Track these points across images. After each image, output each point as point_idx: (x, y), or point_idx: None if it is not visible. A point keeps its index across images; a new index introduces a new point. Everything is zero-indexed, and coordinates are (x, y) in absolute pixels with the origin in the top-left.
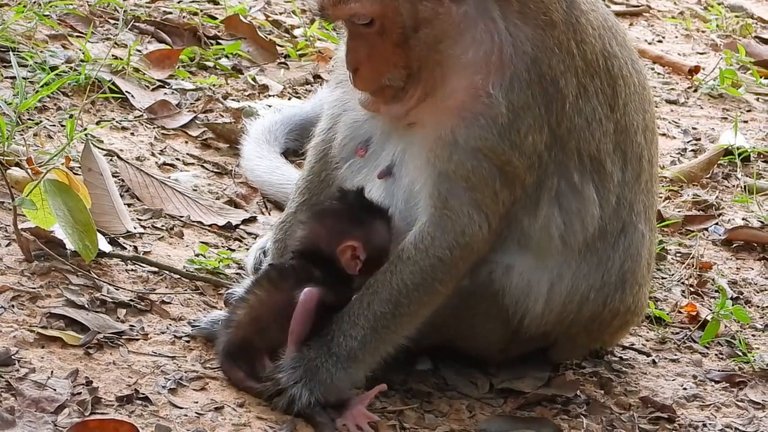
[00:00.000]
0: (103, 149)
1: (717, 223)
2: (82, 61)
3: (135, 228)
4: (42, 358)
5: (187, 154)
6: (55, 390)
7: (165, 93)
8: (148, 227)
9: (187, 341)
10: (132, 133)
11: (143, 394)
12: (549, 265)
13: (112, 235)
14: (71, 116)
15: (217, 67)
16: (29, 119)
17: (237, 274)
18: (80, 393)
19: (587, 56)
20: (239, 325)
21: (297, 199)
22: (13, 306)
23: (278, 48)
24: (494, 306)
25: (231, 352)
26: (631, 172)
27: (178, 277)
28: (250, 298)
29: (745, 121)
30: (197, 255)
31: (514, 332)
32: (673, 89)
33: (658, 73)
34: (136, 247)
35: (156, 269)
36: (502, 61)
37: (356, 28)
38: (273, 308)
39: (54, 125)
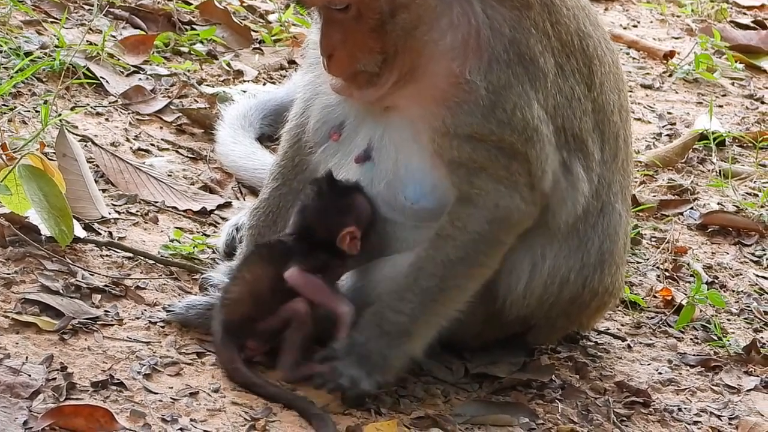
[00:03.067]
0: (77, 135)
1: (692, 208)
2: (56, 46)
3: (110, 213)
4: (17, 343)
5: (162, 139)
6: (29, 376)
7: (140, 78)
8: (123, 213)
9: (162, 327)
10: (107, 119)
11: (118, 379)
12: (533, 246)
13: (87, 221)
14: (46, 102)
15: (192, 52)
16: (4, 105)
17: (212, 259)
18: (55, 378)
19: (562, 36)
20: (238, 302)
21: (271, 185)
22: None
23: (253, 33)
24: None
25: (231, 329)
26: (609, 152)
27: (153, 262)
28: (246, 275)
29: (720, 106)
30: (172, 240)
31: (495, 315)
32: (648, 74)
33: (633, 58)
34: (110, 233)
35: (131, 255)
36: (480, 43)
37: (331, 13)
38: (270, 283)
39: (28, 111)
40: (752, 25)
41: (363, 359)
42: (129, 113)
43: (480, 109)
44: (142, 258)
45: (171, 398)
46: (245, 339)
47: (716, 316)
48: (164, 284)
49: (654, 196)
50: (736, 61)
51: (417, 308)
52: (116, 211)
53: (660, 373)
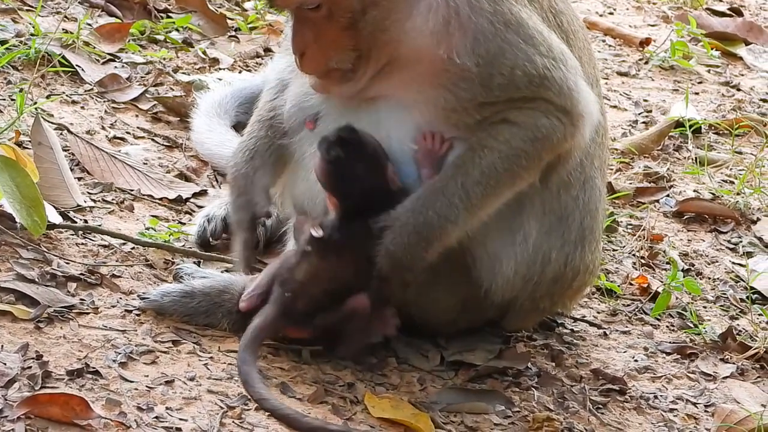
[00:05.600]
0: (53, 123)
1: (668, 195)
2: (32, 34)
3: (85, 202)
4: None
5: (138, 127)
6: (5, 364)
7: (115, 66)
8: (99, 201)
9: (138, 315)
10: (82, 107)
11: (93, 367)
12: (521, 221)
13: (63, 209)
14: (21, 90)
15: (168, 40)
16: None
17: (189, 248)
18: (30, 367)
19: (538, 12)
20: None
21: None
22: None
23: (229, 21)
24: (462, 271)
25: (291, 313)
26: (600, 121)
27: (129, 250)
28: (316, 264)
29: (696, 93)
30: (147, 228)
31: (478, 300)
32: (624, 61)
33: (609, 45)
34: (86, 221)
35: (106, 243)
36: (461, 22)
37: (303, 12)
38: (337, 277)
39: (4, 99)
40: (728, 12)
41: (398, 262)
42: (104, 101)
43: (477, 84)
44: (117, 246)
45: (146, 386)
46: (301, 325)
47: (692, 303)
48: (140, 272)
49: (630, 183)
50: (712, 49)
51: (461, 214)
52: (92, 200)
53: (636, 361)
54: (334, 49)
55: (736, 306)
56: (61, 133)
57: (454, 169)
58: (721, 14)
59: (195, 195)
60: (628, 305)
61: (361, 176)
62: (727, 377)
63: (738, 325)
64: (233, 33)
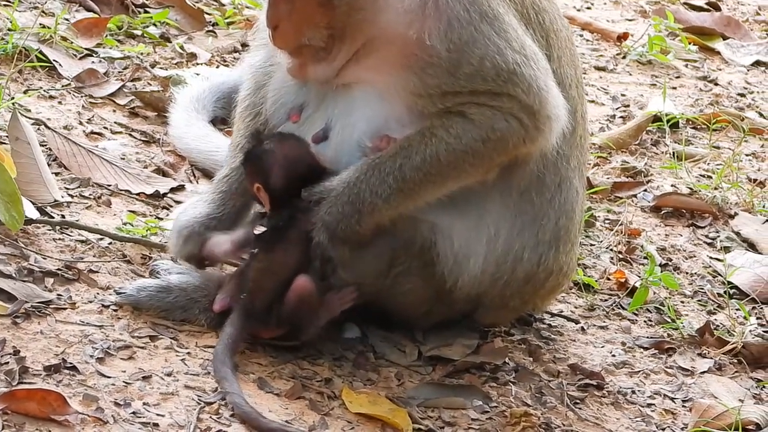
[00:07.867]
0: (30, 118)
1: (646, 190)
2: (9, 29)
3: (63, 197)
4: None
5: (115, 122)
6: None
7: (93, 61)
8: (76, 196)
9: (115, 310)
10: (59, 102)
11: (71, 363)
12: (487, 221)
13: (40, 204)
14: None
15: (145, 35)
16: None
17: (164, 243)
18: (8, 363)
19: (518, 8)
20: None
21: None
22: None
23: (206, 16)
24: (428, 264)
25: (255, 316)
26: (568, 126)
27: (106, 245)
28: (264, 263)
29: (674, 88)
30: (125, 223)
31: (445, 294)
32: (601, 56)
33: (587, 40)
34: (63, 216)
35: (83, 238)
36: (438, 4)
37: None
38: (286, 266)
39: None
40: (706, 6)
41: (333, 233)
42: (82, 96)
43: (444, 70)
44: (95, 241)
45: (124, 382)
46: (268, 323)
47: (670, 298)
48: (117, 268)
49: (607, 178)
50: (689, 43)
51: (394, 194)
52: (69, 195)
53: (613, 356)
54: (308, 25)
55: (713, 301)
56: (38, 129)
57: (398, 149)
58: (699, 9)
59: (172, 190)
60: (606, 300)
61: (278, 154)
62: (704, 372)
63: (715, 319)
64: (211, 28)
